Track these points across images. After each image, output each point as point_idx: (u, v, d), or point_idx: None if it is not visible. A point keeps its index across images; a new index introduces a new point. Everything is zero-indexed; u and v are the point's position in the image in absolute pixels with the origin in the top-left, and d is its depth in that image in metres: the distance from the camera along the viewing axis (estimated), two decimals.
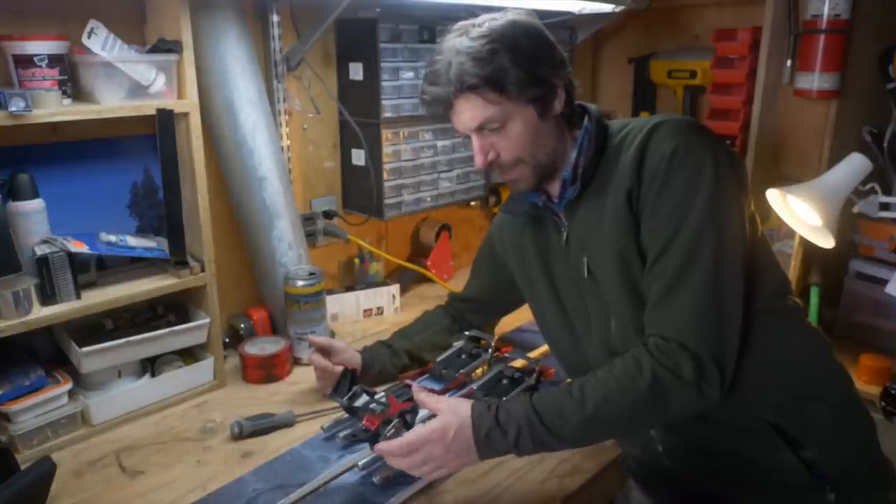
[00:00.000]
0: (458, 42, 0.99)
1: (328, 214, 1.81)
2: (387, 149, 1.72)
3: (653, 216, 0.96)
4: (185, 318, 1.42)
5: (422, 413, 1.10)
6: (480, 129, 1.02)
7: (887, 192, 1.68)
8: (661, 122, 0.99)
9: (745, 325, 0.97)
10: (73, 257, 1.21)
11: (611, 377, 0.96)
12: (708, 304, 0.93)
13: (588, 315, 1.10)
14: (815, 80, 1.76)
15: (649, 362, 0.94)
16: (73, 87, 1.25)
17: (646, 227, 0.98)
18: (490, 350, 1.40)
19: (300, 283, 1.50)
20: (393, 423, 1.06)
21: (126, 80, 1.23)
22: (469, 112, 1.01)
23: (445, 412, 0.98)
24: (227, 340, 1.58)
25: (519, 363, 1.38)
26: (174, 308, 1.43)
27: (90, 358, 1.24)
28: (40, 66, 1.18)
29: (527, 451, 0.97)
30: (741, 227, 0.97)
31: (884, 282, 1.63)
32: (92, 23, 1.18)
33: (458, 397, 1.15)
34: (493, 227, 1.34)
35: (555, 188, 1.09)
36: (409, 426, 1.06)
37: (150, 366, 1.38)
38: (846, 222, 1.69)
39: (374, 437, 1.07)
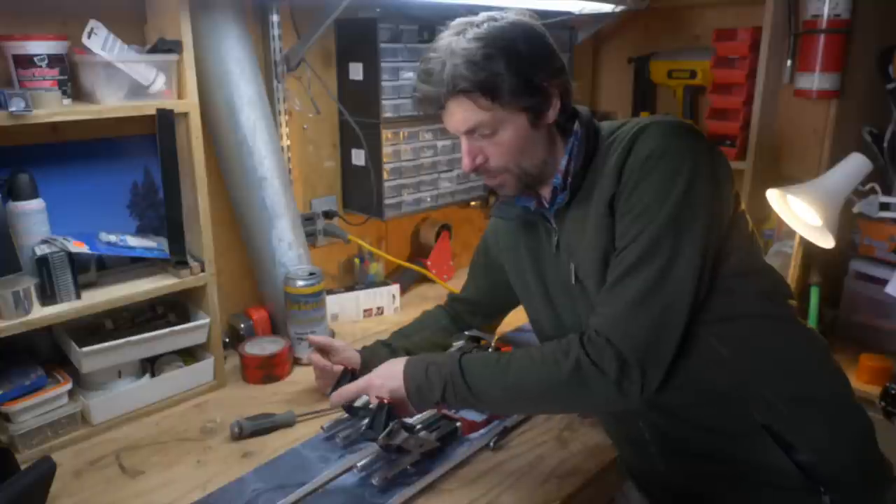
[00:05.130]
0: (455, 42, 0.97)
1: (328, 214, 1.81)
2: (387, 149, 1.72)
3: (622, 218, 0.96)
4: (185, 318, 1.42)
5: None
6: (470, 132, 1.01)
7: (887, 192, 1.67)
8: (646, 125, 0.98)
9: (732, 327, 0.97)
10: (73, 257, 1.21)
11: (538, 354, 1.00)
12: (644, 307, 0.93)
13: (579, 319, 1.09)
14: (815, 80, 1.76)
15: (577, 349, 0.96)
16: (73, 87, 1.25)
17: (617, 229, 0.98)
18: (490, 350, 1.40)
19: (300, 283, 1.50)
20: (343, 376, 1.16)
21: (126, 80, 1.23)
22: (460, 115, 0.99)
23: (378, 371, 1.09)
24: (227, 340, 1.58)
25: None
26: (174, 308, 1.43)
27: (90, 358, 1.24)
28: (40, 66, 1.18)
29: (454, 406, 1.08)
30: (706, 237, 0.95)
31: (884, 282, 1.62)
32: (92, 23, 1.18)
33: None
34: (487, 229, 1.35)
35: (547, 192, 1.09)
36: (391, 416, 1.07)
37: (150, 366, 1.38)
38: (846, 222, 1.70)
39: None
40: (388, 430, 1.04)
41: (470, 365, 1.02)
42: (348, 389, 1.11)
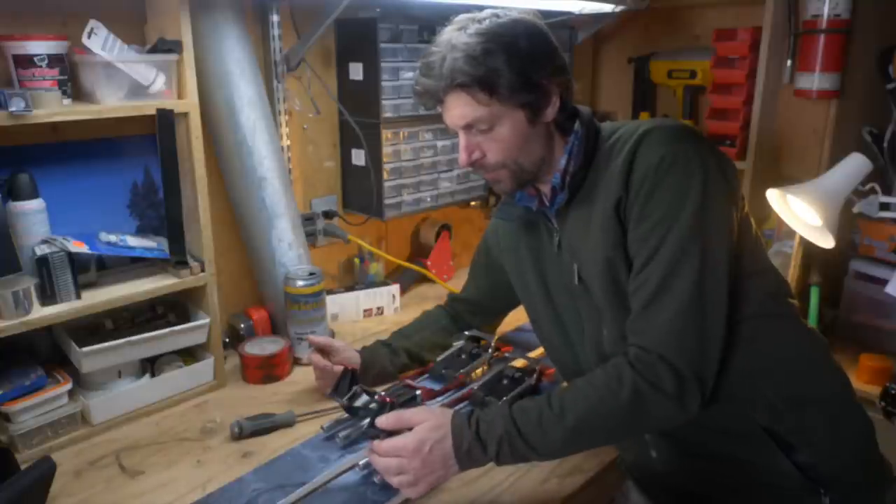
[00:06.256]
0: (456, 36, 0.97)
1: (328, 214, 1.81)
2: (387, 149, 1.72)
3: (639, 226, 0.96)
4: (185, 318, 1.42)
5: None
6: (468, 127, 1.01)
7: (887, 192, 1.68)
8: (651, 129, 0.97)
9: (739, 329, 0.97)
10: (73, 257, 1.21)
11: (591, 388, 0.95)
12: (689, 318, 0.92)
13: (581, 320, 1.10)
14: (815, 80, 1.76)
15: (630, 374, 0.93)
16: (73, 87, 1.25)
17: (632, 236, 0.97)
18: (490, 350, 1.40)
19: (300, 283, 1.50)
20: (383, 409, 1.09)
21: (126, 80, 1.23)
22: (458, 109, 0.99)
23: (423, 426, 0.99)
24: (227, 340, 1.58)
25: (519, 363, 1.38)
26: (174, 308, 1.43)
27: (90, 358, 1.24)
28: (40, 66, 1.18)
29: (507, 463, 0.98)
30: (728, 238, 0.96)
31: (884, 282, 1.63)
32: (92, 23, 1.18)
33: (440, 406, 1.14)
34: (487, 230, 1.35)
35: (548, 190, 1.08)
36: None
37: (150, 366, 1.38)
38: (846, 222, 1.70)
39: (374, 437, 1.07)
40: (350, 392, 1.09)
41: (523, 419, 0.96)
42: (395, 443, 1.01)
